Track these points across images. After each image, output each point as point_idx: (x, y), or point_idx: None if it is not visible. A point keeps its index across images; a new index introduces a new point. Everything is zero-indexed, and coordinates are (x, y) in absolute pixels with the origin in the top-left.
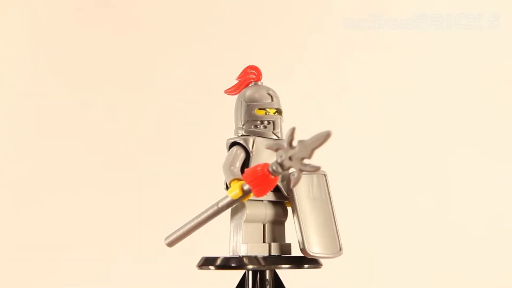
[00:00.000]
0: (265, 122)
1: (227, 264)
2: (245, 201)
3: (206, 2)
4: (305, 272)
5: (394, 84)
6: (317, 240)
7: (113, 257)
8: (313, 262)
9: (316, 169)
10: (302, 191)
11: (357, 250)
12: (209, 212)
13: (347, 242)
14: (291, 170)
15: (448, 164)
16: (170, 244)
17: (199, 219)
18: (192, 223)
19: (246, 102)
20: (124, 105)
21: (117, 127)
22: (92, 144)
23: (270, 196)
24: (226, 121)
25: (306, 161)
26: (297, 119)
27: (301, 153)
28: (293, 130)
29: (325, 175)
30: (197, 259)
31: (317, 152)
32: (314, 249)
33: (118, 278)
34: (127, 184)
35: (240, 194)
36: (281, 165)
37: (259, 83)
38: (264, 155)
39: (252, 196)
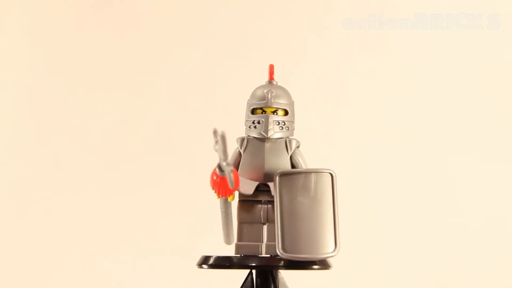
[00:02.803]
0: (255, 122)
1: (220, 263)
2: (238, 201)
3: (206, 3)
4: (309, 273)
5: (393, 84)
6: (294, 241)
7: (113, 258)
8: (306, 264)
9: (229, 170)
10: (286, 192)
11: (359, 250)
12: (220, 214)
13: (349, 242)
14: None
15: (449, 164)
16: (226, 243)
17: (221, 221)
18: (221, 225)
19: (247, 102)
20: (125, 106)
21: (118, 128)
22: (91, 146)
23: (267, 196)
24: (227, 122)
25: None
26: (297, 120)
27: (219, 154)
28: (213, 131)
29: (331, 174)
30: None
31: (320, 153)
32: (288, 250)
33: (119, 279)
34: (128, 185)
35: (217, 195)
36: (218, 165)
37: (274, 82)
38: (251, 155)
39: (244, 196)
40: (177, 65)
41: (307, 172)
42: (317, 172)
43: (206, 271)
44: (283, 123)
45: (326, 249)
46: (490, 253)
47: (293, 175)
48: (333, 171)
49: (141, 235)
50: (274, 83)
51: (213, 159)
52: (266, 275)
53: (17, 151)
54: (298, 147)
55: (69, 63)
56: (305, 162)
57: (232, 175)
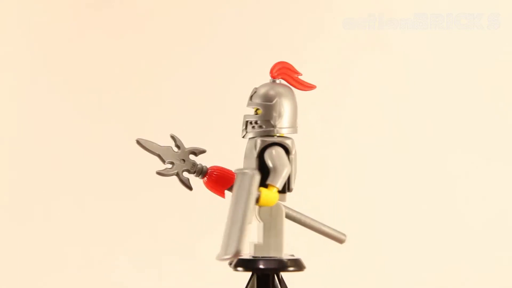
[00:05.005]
0: None
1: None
2: None
3: (206, 3)
4: (310, 273)
5: (393, 84)
6: (221, 243)
7: (114, 258)
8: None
9: (168, 173)
10: (232, 193)
11: (359, 250)
12: None
13: (349, 242)
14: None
15: (449, 163)
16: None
17: None
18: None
19: None
20: (125, 106)
21: (117, 128)
22: (91, 147)
23: None
24: (226, 122)
25: None
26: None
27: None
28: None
29: (250, 174)
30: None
31: (320, 153)
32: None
33: (119, 280)
34: (128, 185)
35: None
36: None
37: (277, 81)
38: (245, 155)
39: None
40: (177, 65)
41: (237, 173)
42: (240, 172)
43: (206, 271)
44: (255, 123)
45: (224, 252)
46: (490, 253)
47: (237, 175)
48: (255, 171)
49: (141, 236)
50: (278, 81)
51: (214, 160)
52: (267, 277)
53: (17, 151)
54: (280, 145)
55: (69, 63)
56: (274, 161)
57: (179, 177)
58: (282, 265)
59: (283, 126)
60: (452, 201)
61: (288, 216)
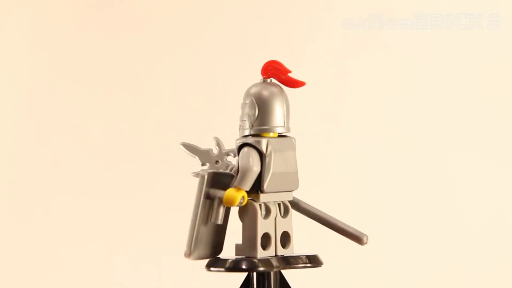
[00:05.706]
0: None
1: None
2: None
3: (206, 3)
4: (310, 274)
5: (393, 84)
6: None
7: (115, 260)
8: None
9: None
10: None
11: (359, 250)
12: None
13: (349, 242)
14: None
15: (449, 163)
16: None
17: None
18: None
19: None
20: (125, 106)
21: (117, 129)
22: (91, 146)
23: None
24: (225, 122)
25: None
26: (297, 120)
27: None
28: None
29: (202, 175)
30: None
31: (320, 153)
32: None
33: (119, 280)
34: (130, 187)
35: None
36: None
37: (268, 80)
38: None
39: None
40: (177, 65)
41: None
42: (196, 173)
43: (206, 271)
44: (241, 123)
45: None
46: (490, 253)
47: None
48: (206, 172)
49: (141, 236)
50: (268, 81)
51: None
52: (264, 276)
53: (17, 151)
54: (251, 145)
55: (69, 63)
56: (239, 162)
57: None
58: (253, 265)
59: (259, 126)
60: (452, 201)
61: (304, 211)
